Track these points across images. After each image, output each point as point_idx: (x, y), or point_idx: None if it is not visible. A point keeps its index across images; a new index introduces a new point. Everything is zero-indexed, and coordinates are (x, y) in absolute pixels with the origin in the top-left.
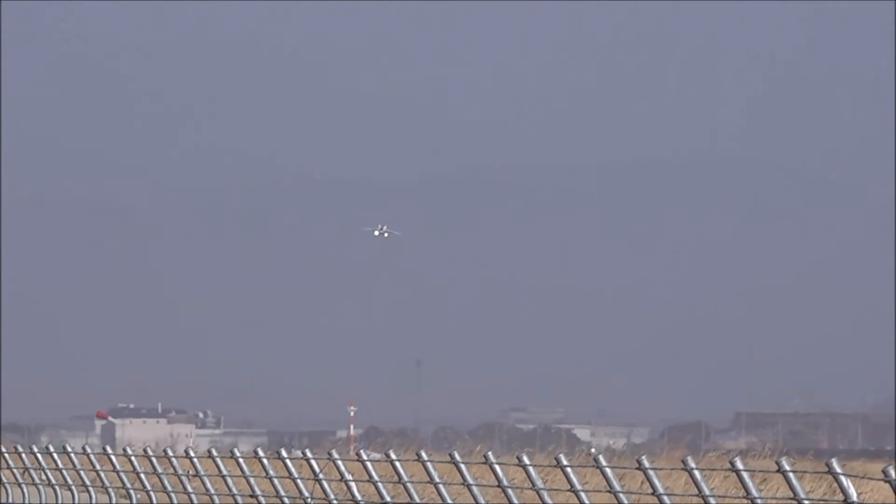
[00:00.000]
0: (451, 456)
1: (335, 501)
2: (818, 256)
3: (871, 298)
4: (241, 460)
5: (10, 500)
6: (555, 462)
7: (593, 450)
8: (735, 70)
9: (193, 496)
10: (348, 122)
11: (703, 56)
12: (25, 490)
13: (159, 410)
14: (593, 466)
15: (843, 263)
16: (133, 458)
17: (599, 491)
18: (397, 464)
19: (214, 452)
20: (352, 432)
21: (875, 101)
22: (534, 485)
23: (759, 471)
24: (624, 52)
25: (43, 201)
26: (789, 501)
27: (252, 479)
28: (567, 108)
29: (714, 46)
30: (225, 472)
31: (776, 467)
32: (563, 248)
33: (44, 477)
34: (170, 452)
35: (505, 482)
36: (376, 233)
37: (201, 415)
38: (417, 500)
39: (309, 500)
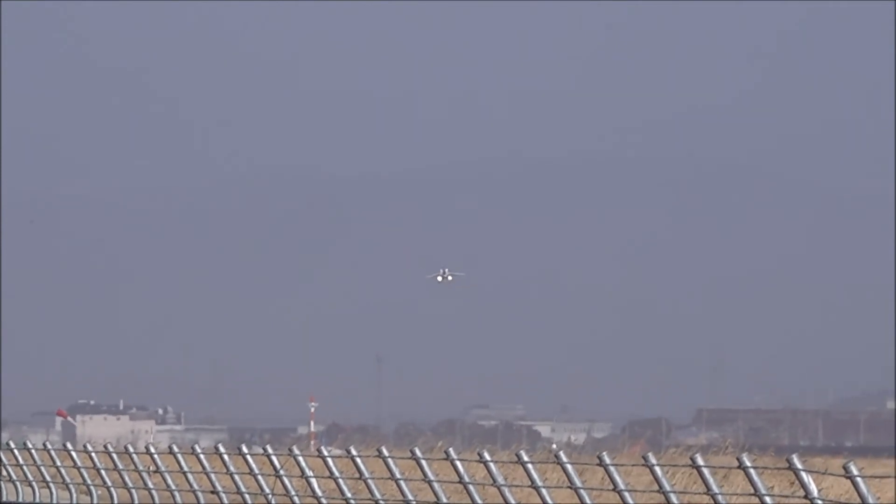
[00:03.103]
0: (413, 452)
1: (296, 498)
2: (783, 254)
3: (833, 296)
4: (202, 457)
5: None
6: (516, 458)
7: (554, 446)
8: (734, 70)
9: (154, 492)
10: (344, 121)
11: (702, 56)
12: None
13: (120, 407)
14: (554, 463)
15: (807, 261)
16: (94, 454)
17: (560, 487)
18: (358, 460)
19: (175, 449)
20: (312, 429)
21: (874, 102)
22: (495, 481)
23: (721, 467)
24: (624, 52)
25: (43, 201)
26: (750, 497)
27: (213, 476)
28: (566, 107)
29: (713, 46)
30: (186, 469)
31: (737, 463)
32: (526, 244)
33: (4, 473)
34: (130, 449)
35: (466, 479)
36: (439, 278)
37: (162, 411)
38: (378, 497)
39: (270, 496)
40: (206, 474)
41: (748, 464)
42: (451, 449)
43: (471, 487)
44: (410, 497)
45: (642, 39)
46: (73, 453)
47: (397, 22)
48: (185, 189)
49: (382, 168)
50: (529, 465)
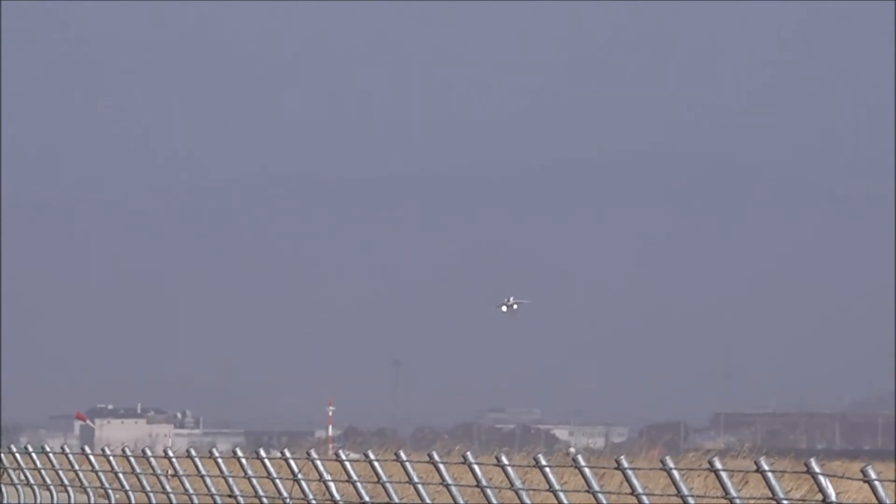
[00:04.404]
0: (430, 456)
1: (314, 501)
2: (788, 256)
3: (846, 299)
4: (219, 460)
5: None
6: (533, 462)
7: (572, 449)
8: (735, 71)
9: (172, 496)
10: (344, 122)
11: (702, 57)
12: (4, 490)
13: (138, 411)
14: (572, 466)
15: (820, 264)
16: (111, 458)
17: (578, 491)
18: (376, 464)
19: (193, 452)
20: (330, 432)
21: (875, 102)
22: (512, 485)
23: (738, 471)
24: (624, 52)
25: (43, 201)
26: (768, 501)
27: (231, 479)
28: (566, 107)
29: (714, 47)
30: (203, 472)
31: (755, 467)
32: (535, 246)
33: (22, 477)
34: (148, 452)
35: (484, 482)
36: (504, 308)
37: (180, 415)
38: (396, 500)
39: (287, 500)
40: (224, 478)
41: (766, 467)
42: (468, 452)
43: (488, 491)
44: (428, 500)
45: (643, 40)
46: (91, 457)
47: (397, 22)
48: (187, 190)
49: (383, 169)
50: (547, 469)
